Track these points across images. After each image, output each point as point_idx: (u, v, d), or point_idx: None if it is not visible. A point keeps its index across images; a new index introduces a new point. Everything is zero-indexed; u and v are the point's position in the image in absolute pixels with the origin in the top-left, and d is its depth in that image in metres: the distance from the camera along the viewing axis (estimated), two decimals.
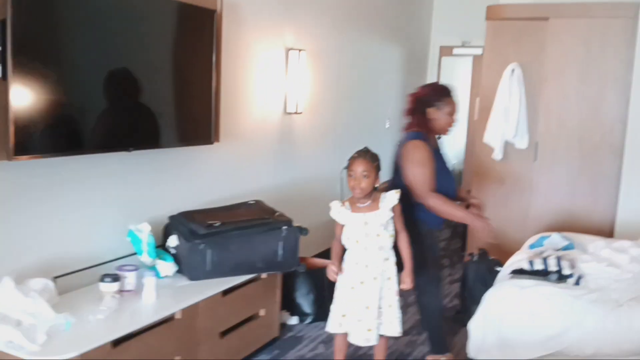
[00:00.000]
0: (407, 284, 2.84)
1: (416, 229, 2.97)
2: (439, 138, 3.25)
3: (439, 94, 3.11)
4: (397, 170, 3.09)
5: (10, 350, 2.12)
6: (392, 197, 2.78)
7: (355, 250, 2.79)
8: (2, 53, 2.16)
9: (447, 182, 3.10)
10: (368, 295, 2.76)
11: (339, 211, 2.79)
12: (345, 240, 2.81)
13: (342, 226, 2.81)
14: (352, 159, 2.77)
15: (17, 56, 2.19)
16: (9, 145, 2.21)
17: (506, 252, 3.61)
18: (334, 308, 2.85)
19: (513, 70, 4.67)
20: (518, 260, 3.24)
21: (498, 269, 3.47)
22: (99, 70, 2.63)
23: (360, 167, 2.71)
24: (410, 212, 2.96)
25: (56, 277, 2.60)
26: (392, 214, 2.78)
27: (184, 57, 3.11)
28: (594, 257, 3.20)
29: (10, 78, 2.18)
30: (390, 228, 2.79)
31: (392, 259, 2.82)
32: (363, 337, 2.78)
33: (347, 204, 2.80)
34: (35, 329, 2.19)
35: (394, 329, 2.83)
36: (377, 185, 2.78)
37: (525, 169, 4.72)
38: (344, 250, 2.85)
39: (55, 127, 2.46)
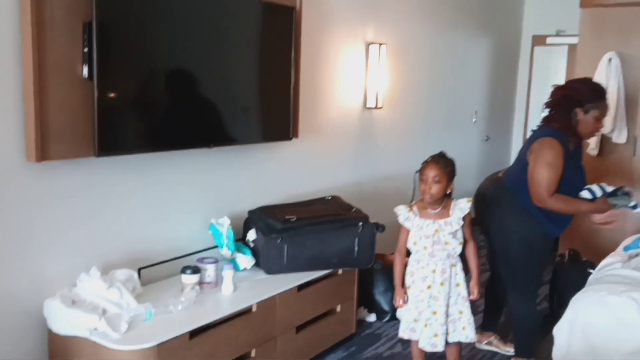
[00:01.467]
0: (475, 295, 2.77)
1: (529, 225, 2.90)
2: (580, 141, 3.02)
3: (593, 95, 2.88)
4: (521, 160, 2.96)
5: (94, 338, 2.24)
6: (464, 206, 2.70)
7: (422, 256, 2.72)
8: (89, 54, 2.27)
9: (580, 186, 2.93)
10: (435, 300, 2.70)
11: (406, 216, 2.73)
12: (412, 244, 2.75)
13: (407, 233, 2.75)
14: (425, 163, 2.70)
15: (102, 57, 2.30)
16: (94, 143, 2.33)
17: (600, 254, 3.38)
18: (405, 313, 2.79)
19: (610, 60, 4.36)
20: (611, 262, 3.02)
21: (590, 271, 3.26)
22: (181, 68, 2.72)
23: (432, 172, 2.63)
24: (517, 200, 2.90)
25: (140, 269, 2.72)
26: (462, 223, 2.70)
27: (264, 53, 3.16)
28: None
29: (95, 78, 2.29)
30: (460, 236, 2.71)
31: (460, 264, 2.74)
32: (430, 343, 2.72)
33: (415, 208, 2.73)
34: (119, 318, 2.31)
35: (468, 334, 2.76)
36: (449, 191, 2.70)
37: (623, 164, 4.40)
38: (406, 263, 2.80)
39: (138, 125, 2.57)
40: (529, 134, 7.15)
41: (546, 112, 3.02)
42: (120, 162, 2.61)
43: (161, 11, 2.58)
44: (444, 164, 2.66)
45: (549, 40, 6.75)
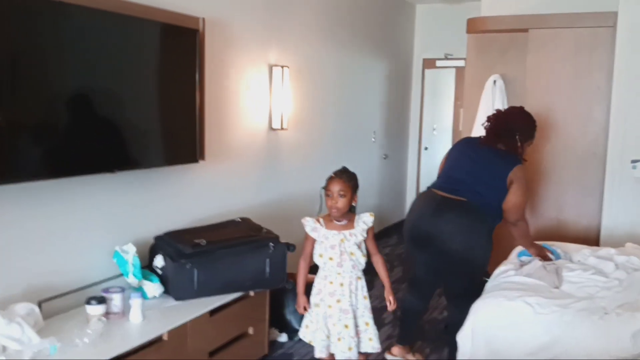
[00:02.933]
0: (392, 303, 2.86)
1: (489, 242, 3.20)
2: None
3: (534, 127, 3.35)
4: (480, 178, 3.21)
5: None
6: (367, 219, 2.81)
7: (328, 268, 2.79)
8: None
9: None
10: (345, 313, 2.76)
11: (313, 227, 2.79)
12: (317, 257, 2.81)
13: (313, 242, 2.81)
14: (330, 179, 2.78)
15: None
16: None
17: (494, 262, 3.61)
18: (317, 332, 2.81)
19: (495, 82, 4.72)
20: (505, 270, 3.24)
21: (486, 279, 3.47)
22: (81, 92, 2.62)
23: (336, 187, 2.73)
24: (486, 219, 3.16)
25: (42, 302, 2.57)
26: (365, 235, 2.80)
27: (167, 76, 3.12)
28: (580, 265, 3.22)
29: None
30: (363, 249, 2.81)
31: (363, 278, 2.84)
32: (345, 356, 2.77)
33: (321, 220, 2.81)
34: (21, 355, 2.17)
35: (374, 345, 2.84)
36: (354, 204, 2.80)
37: None
38: (308, 271, 2.87)
39: (35, 151, 2.45)
40: (423, 151, 7.49)
41: (486, 133, 3.35)
42: (17, 190, 2.46)
43: (58, 34, 2.48)
44: (347, 178, 2.77)
45: (438, 63, 7.18)
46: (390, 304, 2.86)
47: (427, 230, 3.23)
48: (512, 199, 3.16)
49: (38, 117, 2.44)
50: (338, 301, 2.77)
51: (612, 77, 4.27)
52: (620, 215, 4.27)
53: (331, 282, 2.78)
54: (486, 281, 3.26)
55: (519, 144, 3.26)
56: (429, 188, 3.40)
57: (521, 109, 3.48)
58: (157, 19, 2.98)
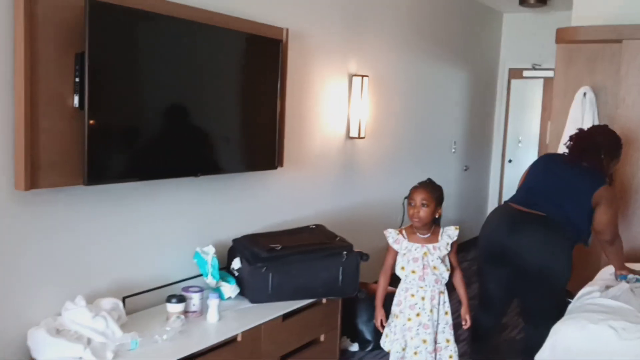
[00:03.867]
0: (468, 323, 2.82)
1: (571, 261, 3.12)
2: None
3: (619, 145, 3.27)
4: (565, 196, 3.14)
5: None
6: (452, 233, 2.78)
7: (410, 281, 2.76)
8: (80, 84, 2.30)
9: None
10: (424, 328, 2.73)
11: (395, 239, 2.78)
12: (399, 269, 2.78)
13: (395, 255, 2.79)
14: (414, 188, 2.78)
15: (93, 87, 2.33)
16: (84, 171, 2.35)
17: (579, 283, 3.45)
18: (393, 343, 2.81)
19: (585, 94, 4.51)
20: (590, 291, 3.09)
21: (569, 300, 3.32)
22: (170, 99, 2.76)
23: (420, 196, 2.71)
24: (566, 236, 3.10)
25: (125, 297, 2.71)
26: (450, 249, 2.76)
27: (251, 85, 3.22)
28: None
29: (86, 107, 2.31)
30: (447, 263, 2.76)
31: (446, 292, 2.79)
32: None
33: (404, 232, 2.79)
34: (104, 348, 2.29)
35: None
36: (437, 216, 2.76)
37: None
38: (388, 284, 2.86)
39: (127, 154, 2.59)
40: (507, 163, 7.28)
41: (569, 151, 3.28)
42: (107, 190, 2.62)
43: (150, 43, 2.63)
44: (431, 189, 2.75)
45: (525, 73, 6.96)
46: (466, 323, 2.82)
47: (503, 245, 3.14)
48: (603, 218, 3.08)
49: (130, 123, 2.59)
50: (418, 315, 2.74)
51: None
52: None
53: (412, 295, 2.76)
54: (569, 302, 3.12)
55: (605, 163, 3.17)
56: (506, 202, 3.32)
57: (605, 127, 3.37)
58: (243, 30, 3.09)
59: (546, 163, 3.34)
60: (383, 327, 2.84)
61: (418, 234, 2.77)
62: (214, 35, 2.93)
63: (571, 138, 3.31)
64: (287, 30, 3.37)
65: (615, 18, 4.48)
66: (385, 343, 2.87)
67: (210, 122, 3.00)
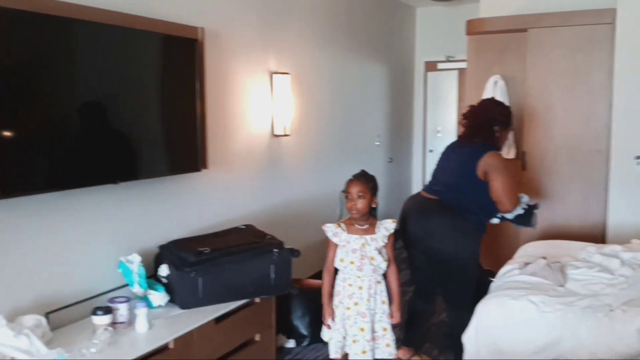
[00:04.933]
0: (397, 319, 2.88)
1: (471, 237, 3.18)
2: None
3: (509, 115, 3.37)
4: (452, 174, 3.25)
5: None
6: (389, 226, 2.83)
7: (349, 272, 2.80)
8: None
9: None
10: (362, 317, 2.78)
11: (334, 232, 2.81)
12: (338, 262, 2.82)
13: (335, 248, 2.83)
14: (349, 181, 2.84)
15: None
16: None
17: (499, 263, 3.62)
18: (333, 333, 2.84)
19: (496, 82, 4.73)
20: (510, 269, 3.24)
21: (492, 279, 3.47)
22: (83, 104, 2.66)
23: (355, 188, 2.78)
24: (464, 216, 3.14)
25: (49, 313, 2.59)
26: (386, 241, 2.83)
27: (168, 86, 3.15)
28: (585, 263, 3.21)
29: None
30: (384, 254, 2.82)
31: (384, 283, 2.85)
32: (358, 357, 2.79)
33: (342, 225, 2.84)
34: None
35: (391, 351, 2.85)
36: (374, 205, 2.83)
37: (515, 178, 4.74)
38: (333, 280, 2.89)
39: (38, 165, 2.47)
40: (428, 153, 7.51)
41: (463, 130, 3.37)
42: (21, 203, 2.49)
43: (62, 48, 2.52)
44: (365, 180, 2.82)
45: (440, 65, 7.19)
46: (394, 319, 2.86)
47: (411, 231, 3.29)
48: (495, 186, 3.11)
49: (42, 131, 2.47)
50: (356, 304, 2.79)
51: (612, 74, 4.27)
52: (626, 211, 4.26)
53: (350, 285, 2.80)
54: (490, 281, 3.26)
55: (497, 134, 3.28)
56: (419, 191, 3.46)
57: (492, 100, 3.54)
58: (158, 31, 3.02)
59: (446, 149, 3.47)
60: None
61: (356, 226, 2.82)
62: (126, 38, 2.84)
63: (464, 115, 3.42)
64: (203, 29, 3.33)
65: (521, 8, 4.71)
66: (324, 334, 2.90)
67: (128, 127, 2.92)
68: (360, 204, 2.77)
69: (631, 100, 4.18)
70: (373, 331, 2.81)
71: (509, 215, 3.34)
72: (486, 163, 3.12)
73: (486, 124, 3.27)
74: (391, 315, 2.86)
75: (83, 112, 2.66)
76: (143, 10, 3.01)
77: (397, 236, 3.34)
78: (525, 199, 3.36)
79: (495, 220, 3.43)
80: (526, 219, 3.38)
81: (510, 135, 4.25)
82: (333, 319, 2.85)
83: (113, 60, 2.79)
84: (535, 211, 3.40)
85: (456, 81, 7.10)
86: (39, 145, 2.47)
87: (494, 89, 4.72)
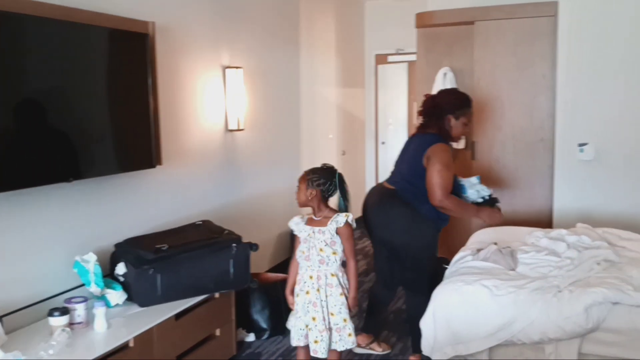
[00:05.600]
0: (353, 307, 2.91)
1: (427, 228, 3.22)
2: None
3: (460, 104, 3.30)
4: (404, 164, 3.30)
5: None
6: (340, 219, 2.83)
7: (301, 261, 2.86)
8: None
9: (455, 182, 3.32)
10: (313, 306, 2.81)
11: (296, 222, 2.89)
12: (298, 252, 2.87)
13: (297, 238, 2.90)
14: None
15: None
16: None
17: (453, 250, 3.72)
18: (295, 321, 2.87)
19: (445, 74, 4.84)
20: (463, 255, 3.34)
21: (446, 266, 3.57)
22: (30, 100, 2.58)
23: (300, 181, 2.88)
24: (416, 207, 3.19)
25: (2, 316, 2.53)
26: (336, 235, 2.82)
27: (119, 82, 3.09)
28: (534, 247, 3.34)
29: None
30: (336, 247, 2.82)
31: (341, 275, 2.86)
32: (311, 348, 2.82)
33: (305, 217, 2.90)
34: None
35: (353, 340, 2.87)
36: (310, 197, 2.84)
37: (465, 168, 4.87)
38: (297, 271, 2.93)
39: None
40: (380, 145, 7.62)
41: (420, 120, 3.40)
42: None
43: (2, 40, 2.43)
44: (308, 172, 2.88)
45: (390, 58, 7.30)
46: (350, 311, 2.87)
47: (371, 220, 3.38)
48: (428, 174, 3.12)
49: None
50: (307, 293, 2.82)
51: (555, 65, 4.43)
52: (570, 197, 4.45)
53: (303, 274, 2.86)
54: (445, 268, 3.36)
55: (451, 123, 3.27)
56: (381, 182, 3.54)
57: (449, 89, 3.61)
58: (105, 25, 2.95)
59: (406, 140, 3.52)
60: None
61: (313, 217, 2.88)
62: (73, 32, 2.77)
63: (422, 104, 3.45)
64: (154, 23, 3.28)
65: (468, 1, 4.83)
66: (289, 322, 2.93)
67: (78, 123, 2.85)
68: (297, 194, 2.87)
69: (574, 90, 4.36)
70: (334, 323, 2.83)
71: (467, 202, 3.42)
72: (432, 151, 3.16)
73: (438, 113, 3.29)
74: (348, 306, 2.88)
75: (30, 109, 2.58)
76: (91, 4, 2.94)
77: (360, 226, 3.42)
78: (484, 191, 3.45)
79: None
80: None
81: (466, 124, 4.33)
82: (292, 308, 2.90)
83: (60, 56, 2.72)
84: (498, 204, 3.47)
85: (406, 73, 7.22)
86: None
87: (444, 81, 4.82)
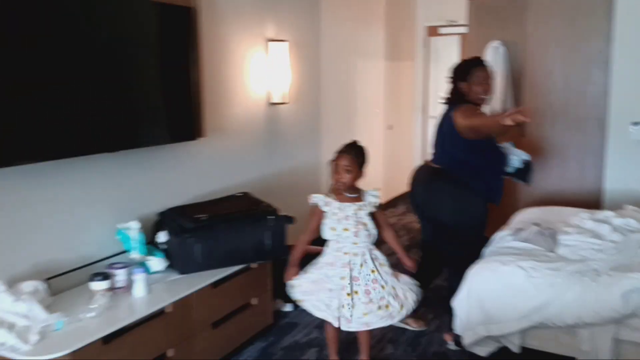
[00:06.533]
0: (410, 263, 2.97)
1: (473, 202, 3.25)
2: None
3: (465, 67, 3.35)
4: (443, 141, 3.34)
5: (4, 353, 2.19)
6: (374, 194, 2.89)
7: (344, 239, 2.82)
8: None
9: (499, 151, 3.40)
10: (355, 281, 2.80)
11: (326, 201, 2.85)
12: (329, 231, 2.84)
13: (320, 218, 2.86)
14: (339, 153, 2.85)
15: None
16: None
17: (496, 228, 3.65)
18: (327, 298, 2.82)
19: (497, 48, 4.69)
20: (503, 235, 3.29)
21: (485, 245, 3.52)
22: (77, 73, 2.67)
23: (344, 162, 2.81)
24: (462, 182, 3.24)
25: (48, 279, 2.67)
26: (374, 209, 2.87)
27: (163, 55, 3.16)
28: (578, 229, 3.24)
29: None
30: (372, 224, 2.86)
31: (377, 250, 2.90)
32: (361, 322, 2.77)
33: (331, 195, 2.87)
34: (28, 330, 2.27)
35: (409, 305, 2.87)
36: (360, 178, 2.87)
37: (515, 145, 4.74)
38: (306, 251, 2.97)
39: (35, 134, 2.50)
40: (429, 120, 7.47)
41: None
42: (19, 172, 2.54)
43: (51, 13, 2.51)
44: (355, 153, 2.84)
45: (441, 30, 7.11)
46: (409, 265, 2.96)
47: (418, 198, 3.43)
48: (460, 122, 3.14)
49: (34, 100, 2.49)
50: (350, 270, 2.79)
51: (610, 41, 4.23)
52: (622, 178, 4.27)
53: (346, 253, 2.82)
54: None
55: (464, 89, 3.30)
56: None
57: (463, 58, 3.60)
58: None
59: (437, 121, 3.50)
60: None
61: (346, 194, 2.86)
62: (120, 6, 2.84)
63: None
64: None
65: None
66: (295, 293, 2.91)
67: (122, 95, 2.92)
68: (346, 178, 2.80)
69: (630, 67, 4.16)
70: (381, 295, 2.80)
71: (510, 169, 3.46)
72: (455, 117, 3.20)
73: (454, 85, 3.37)
74: (404, 263, 2.96)
75: (77, 82, 2.67)
76: None
77: (406, 202, 3.46)
78: (523, 154, 3.50)
79: None
80: (524, 174, 3.53)
81: (498, 90, 4.31)
82: (290, 279, 2.90)
83: (108, 28, 2.79)
84: (533, 169, 3.54)
85: (458, 46, 7.03)
86: (34, 115, 2.49)
87: (495, 55, 4.68)
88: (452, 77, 3.37)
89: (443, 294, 4.01)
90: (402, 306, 2.82)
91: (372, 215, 2.89)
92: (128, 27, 2.93)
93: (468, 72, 3.32)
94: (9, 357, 2.18)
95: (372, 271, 2.83)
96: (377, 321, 2.79)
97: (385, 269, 2.89)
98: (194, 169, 3.62)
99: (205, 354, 2.99)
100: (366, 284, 2.81)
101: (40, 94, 2.50)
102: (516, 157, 3.51)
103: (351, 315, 2.76)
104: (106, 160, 2.97)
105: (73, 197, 2.84)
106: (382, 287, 2.81)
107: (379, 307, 2.77)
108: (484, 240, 3.39)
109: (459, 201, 3.25)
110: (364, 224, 2.82)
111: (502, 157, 3.43)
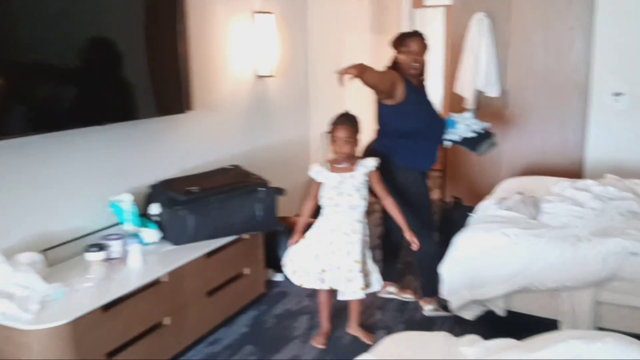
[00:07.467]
0: (415, 244, 2.93)
1: (403, 174, 3.25)
2: (423, 81, 3.48)
3: (399, 39, 3.39)
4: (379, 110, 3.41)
5: (5, 322, 2.25)
6: (368, 164, 2.91)
7: (329, 210, 2.92)
8: None
9: (434, 120, 3.41)
10: (339, 252, 2.88)
11: (318, 171, 2.93)
12: (321, 199, 2.94)
13: (318, 186, 2.94)
14: (335, 125, 2.89)
15: None
16: None
17: (480, 198, 3.75)
18: (311, 265, 2.94)
19: (481, 20, 4.73)
20: (487, 204, 3.38)
21: (469, 214, 3.62)
22: (63, 47, 2.68)
23: (343, 134, 2.86)
24: (398, 160, 3.25)
25: (45, 250, 2.71)
26: (366, 179, 2.91)
27: (150, 27, 3.16)
28: (558, 197, 3.35)
29: None
30: (364, 193, 2.91)
31: (366, 222, 2.95)
32: (350, 291, 2.89)
33: (327, 164, 2.94)
34: (28, 300, 2.32)
35: (378, 281, 2.98)
36: (357, 148, 2.92)
37: (497, 116, 4.83)
38: (312, 214, 3.01)
39: (24, 107, 2.52)
40: None
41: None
42: (8, 146, 2.56)
43: None
44: (352, 124, 2.90)
45: (426, 2, 7.12)
46: (413, 244, 2.94)
47: None
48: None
49: (22, 74, 2.50)
50: (331, 243, 2.89)
51: (592, 9, 4.30)
52: (603, 147, 4.38)
53: (329, 220, 2.92)
54: (469, 216, 3.41)
55: (399, 60, 3.35)
56: None
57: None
58: None
59: None
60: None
61: (337, 165, 2.92)
62: None
63: None
64: None
65: None
66: (288, 265, 3.02)
67: (110, 68, 2.95)
68: (347, 148, 2.86)
69: (612, 36, 4.23)
70: (364, 265, 2.90)
71: (454, 137, 3.44)
72: None
73: (393, 58, 3.42)
74: (412, 243, 2.92)
75: (63, 55, 2.68)
76: None
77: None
78: (476, 125, 3.46)
79: (447, 143, 3.50)
80: (474, 143, 3.46)
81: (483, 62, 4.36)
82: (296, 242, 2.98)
83: (93, 1, 2.80)
84: (489, 140, 3.48)
85: (443, 19, 7.05)
86: (21, 88, 2.50)
87: (479, 27, 4.73)
88: (395, 48, 3.40)
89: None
90: (367, 285, 2.91)
91: (370, 185, 2.95)
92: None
93: (402, 42, 3.35)
94: (11, 326, 2.24)
95: (350, 243, 2.89)
96: (348, 293, 2.90)
97: (358, 245, 2.90)
98: (184, 143, 3.66)
99: (200, 322, 3.08)
100: (341, 255, 2.88)
101: (28, 68, 2.52)
102: (464, 126, 3.44)
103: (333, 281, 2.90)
104: (97, 134, 3.00)
105: (65, 171, 2.87)
106: (356, 261, 2.88)
107: (348, 280, 2.87)
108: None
109: (384, 174, 3.14)
110: (349, 195, 2.88)
111: (431, 124, 3.39)
